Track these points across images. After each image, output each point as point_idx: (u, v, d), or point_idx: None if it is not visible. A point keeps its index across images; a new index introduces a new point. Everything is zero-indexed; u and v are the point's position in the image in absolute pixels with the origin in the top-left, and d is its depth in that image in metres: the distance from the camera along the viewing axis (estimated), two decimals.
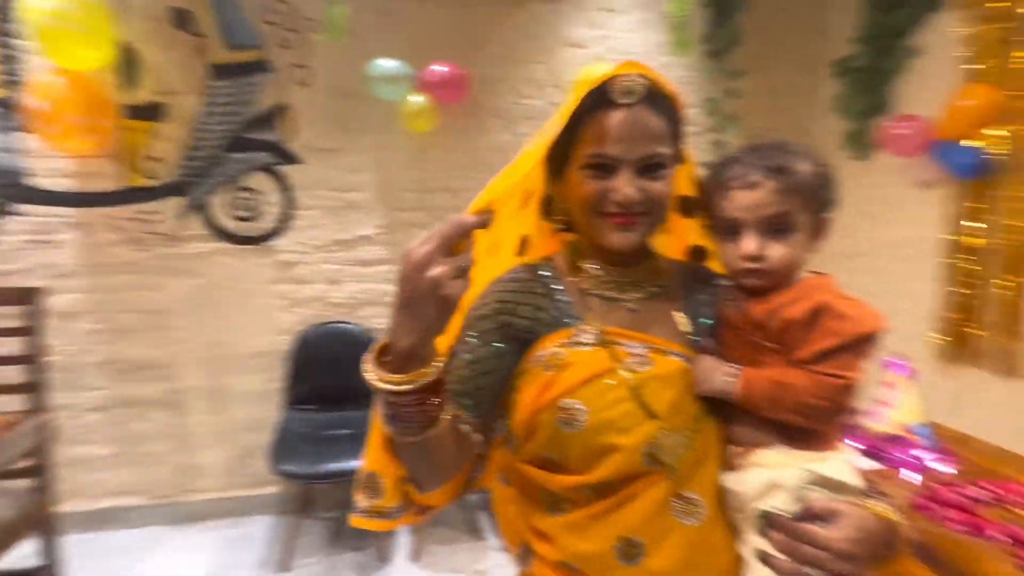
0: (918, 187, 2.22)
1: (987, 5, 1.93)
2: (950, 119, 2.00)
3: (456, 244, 0.57)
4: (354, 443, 2.14)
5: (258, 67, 2.25)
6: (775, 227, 0.67)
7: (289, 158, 2.34)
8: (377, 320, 2.52)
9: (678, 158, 0.73)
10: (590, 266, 0.76)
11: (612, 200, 0.68)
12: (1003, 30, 1.89)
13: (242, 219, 2.34)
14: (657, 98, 0.69)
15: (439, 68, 2.30)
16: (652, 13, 2.55)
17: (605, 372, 0.68)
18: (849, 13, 2.47)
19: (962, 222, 2.05)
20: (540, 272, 0.78)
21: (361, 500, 0.70)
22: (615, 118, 0.67)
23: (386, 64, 2.23)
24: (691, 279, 0.79)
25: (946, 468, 1.29)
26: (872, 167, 2.43)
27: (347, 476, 1.99)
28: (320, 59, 2.31)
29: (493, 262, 0.81)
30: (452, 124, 2.46)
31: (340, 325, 2.48)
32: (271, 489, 2.43)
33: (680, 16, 1.96)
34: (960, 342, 2.06)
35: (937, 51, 2.14)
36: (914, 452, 1.32)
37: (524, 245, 0.83)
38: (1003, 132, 1.90)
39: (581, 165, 0.70)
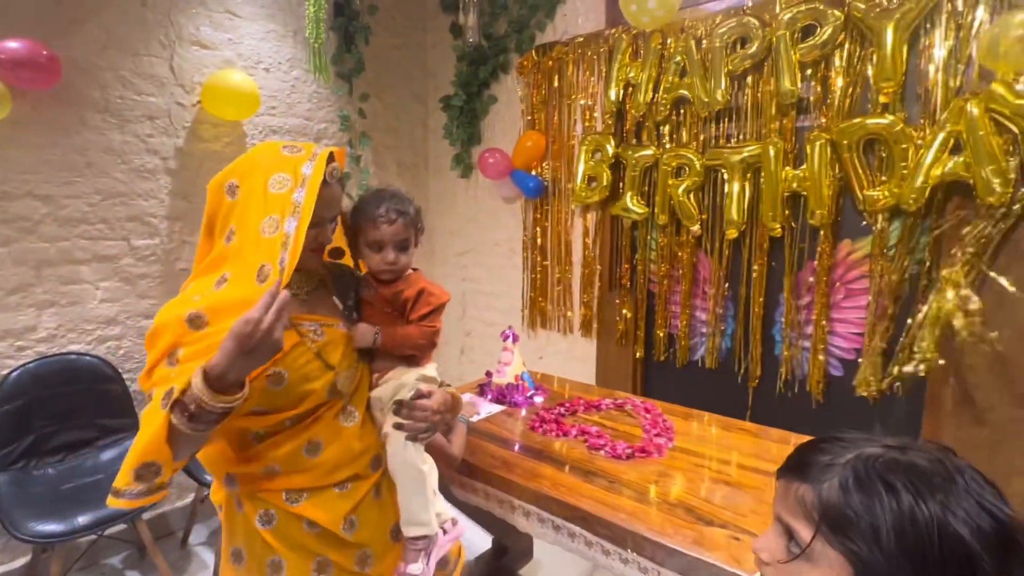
0: (505, 202, 2.99)
1: (533, 77, 2.75)
2: (518, 154, 2.78)
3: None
4: None
5: None
6: (402, 246, 1.11)
7: None
8: None
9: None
10: None
11: (317, 241, 0.99)
12: (545, 94, 2.74)
13: None
14: (342, 178, 1.03)
15: (13, 44, 1.85)
16: (282, 27, 2.61)
17: (296, 345, 0.97)
18: (448, 61, 3.09)
19: (533, 228, 2.89)
20: None
21: (135, 487, 0.82)
22: (326, 192, 0.97)
23: None
24: (337, 275, 1.13)
25: (541, 399, 1.90)
26: (474, 184, 3.12)
27: None
28: None
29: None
30: (40, 116, 2.00)
31: None
32: None
33: (317, 43, 2.12)
34: (538, 312, 2.91)
35: (511, 102, 2.92)
36: (526, 394, 1.89)
37: None
38: (549, 166, 2.77)
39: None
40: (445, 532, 1.11)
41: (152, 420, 0.82)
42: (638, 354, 2.56)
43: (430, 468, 1.09)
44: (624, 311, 2.58)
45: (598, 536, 1.15)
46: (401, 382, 1.09)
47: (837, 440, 0.56)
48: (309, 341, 0.98)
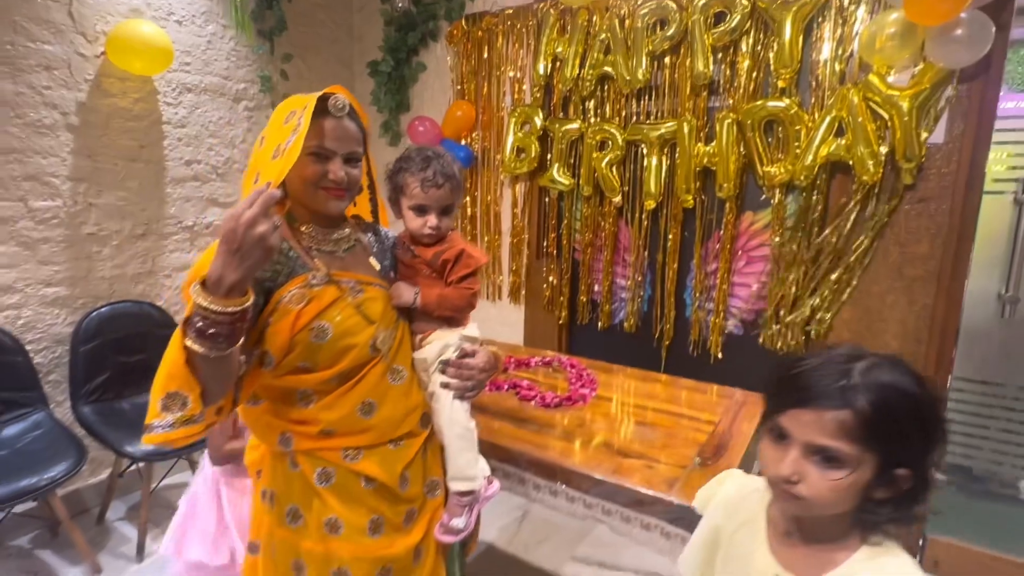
0: None
1: (463, 47, 2.77)
2: (448, 123, 2.81)
3: (271, 209, 0.80)
4: None
5: None
6: (446, 210, 1.12)
7: None
8: None
9: (364, 154, 1.08)
10: (306, 228, 1.04)
11: (329, 179, 0.98)
12: (475, 64, 2.77)
13: None
14: (354, 113, 1.01)
15: None
16: None
17: (337, 300, 1.00)
18: (375, 24, 3.02)
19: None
20: None
21: (164, 418, 0.83)
22: (331, 123, 0.97)
23: None
24: (371, 236, 1.15)
25: None
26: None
27: None
28: None
29: None
30: None
31: None
32: None
33: None
34: None
35: (440, 71, 2.92)
36: None
37: None
38: (478, 136, 2.82)
39: (306, 152, 0.95)
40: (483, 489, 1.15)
41: (170, 348, 0.83)
42: (562, 319, 2.71)
43: (475, 426, 1.13)
44: (550, 278, 2.71)
45: (530, 473, 1.27)
46: (446, 342, 1.11)
47: (827, 364, 0.68)
48: (349, 296, 1.01)
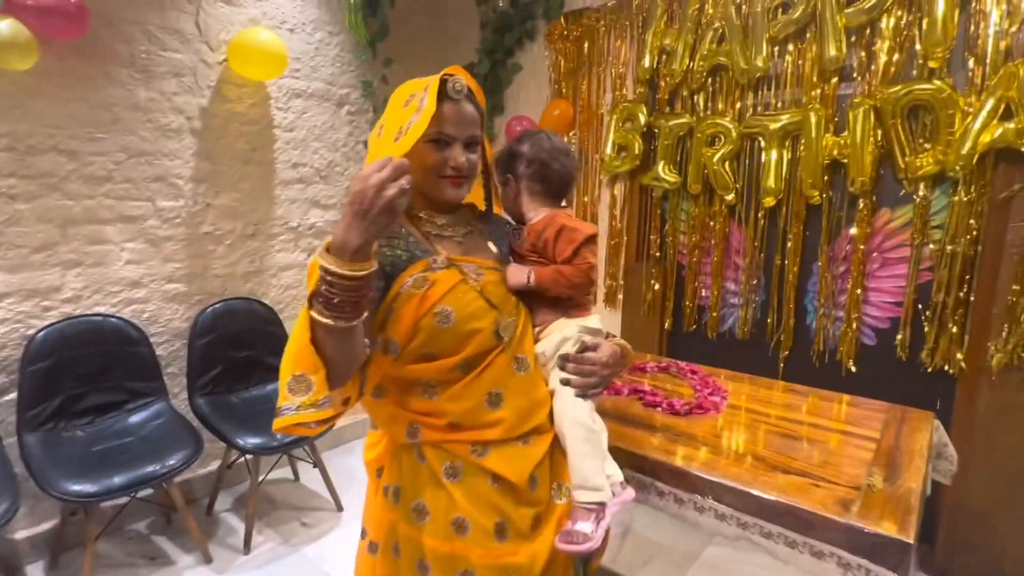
0: None
1: (562, 45, 2.70)
2: (545, 123, 2.74)
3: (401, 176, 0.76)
4: None
5: None
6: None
7: None
8: None
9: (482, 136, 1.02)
10: (425, 215, 0.99)
11: (450, 166, 0.95)
12: (574, 64, 2.70)
13: None
14: (472, 96, 0.96)
15: None
16: None
17: (459, 283, 0.96)
18: (469, 27, 3.03)
19: None
20: None
21: (292, 401, 0.80)
22: (450, 108, 0.93)
23: None
24: (486, 221, 1.10)
25: None
26: None
27: None
28: None
29: None
30: (65, 68, 1.93)
31: None
32: None
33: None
34: None
35: (536, 70, 2.88)
36: None
37: None
38: (575, 135, 2.74)
39: (425, 140, 0.91)
40: (614, 495, 1.02)
41: (296, 330, 0.81)
42: (667, 325, 2.56)
43: (601, 427, 1.03)
44: (653, 282, 2.57)
45: (669, 485, 1.15)
46: (564, 334, 1.03)
47: None
48: (471, 280, 0.97)
